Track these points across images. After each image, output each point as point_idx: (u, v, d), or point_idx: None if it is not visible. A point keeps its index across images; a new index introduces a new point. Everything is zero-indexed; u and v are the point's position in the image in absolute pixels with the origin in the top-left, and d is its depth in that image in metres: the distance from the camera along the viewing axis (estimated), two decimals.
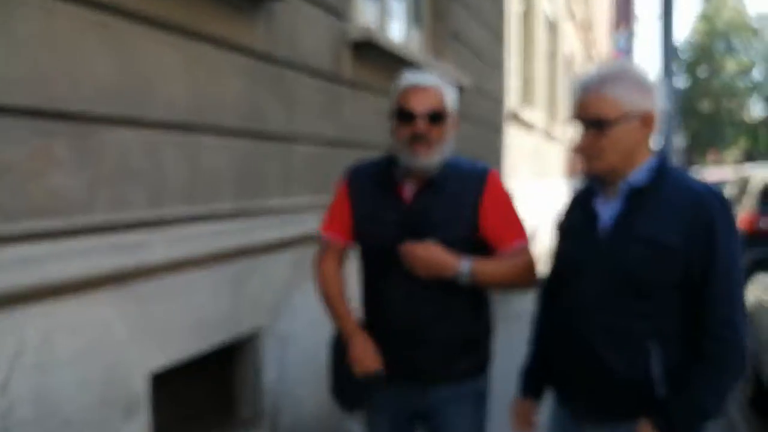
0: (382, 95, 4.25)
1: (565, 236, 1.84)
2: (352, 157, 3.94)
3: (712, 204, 1.59)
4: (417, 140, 1.81)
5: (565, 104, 13.67)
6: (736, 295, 1.58)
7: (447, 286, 1.83)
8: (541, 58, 10.59)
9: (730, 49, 38.66)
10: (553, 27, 12.18)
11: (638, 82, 1.65)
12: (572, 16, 14.44)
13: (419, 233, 1.83)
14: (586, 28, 17.23)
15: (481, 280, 1.83)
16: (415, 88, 1.85)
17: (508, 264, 1.87)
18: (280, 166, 3.04)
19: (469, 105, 5.81)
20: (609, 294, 1.64)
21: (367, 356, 1.87)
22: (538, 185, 9.76)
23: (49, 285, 1.80)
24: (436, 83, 1.87)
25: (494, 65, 7.13)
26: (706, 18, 38.40)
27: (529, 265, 1.90)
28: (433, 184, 1.88)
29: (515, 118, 8.18)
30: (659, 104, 1.69)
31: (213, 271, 2.49)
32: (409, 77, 1.89)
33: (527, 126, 9.09)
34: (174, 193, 2.33)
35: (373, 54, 3.85)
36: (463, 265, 1.79)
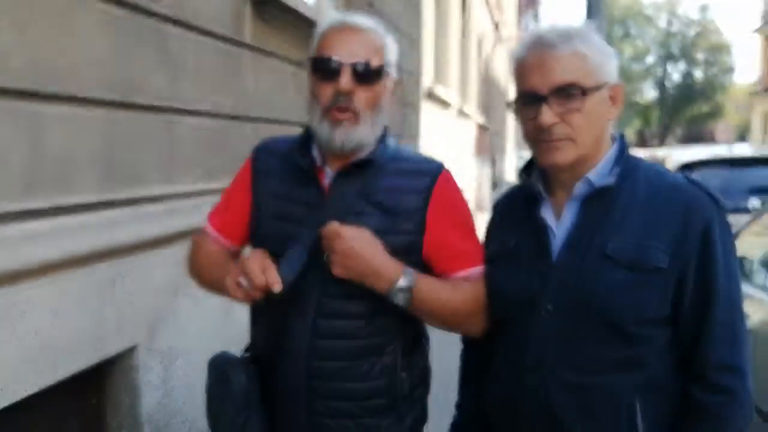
0: (291, 63, 3.77)
1: (499, 262, 1.34)
2: (255, 135, 3.49)
3: (706, 206, 1.20)
4: (338, 104, 1.29)
5: (475, 83, 13.57)
6: (740, 330, 1.19)
7: (374, 313, 1.32)
8: (453, 36, 10.31)
9: (626, 35, 40.50)
10: (465, 4, 11.93)
11: (604, 44, 1.25)
12: None
13: None
14: (496, 8, 17.19)
15: (423, 303, 1.29)
16: (342, 30, 1.32)
17: (457, 288, 1.34)
18: (161, 145, 2.49)
19: None
20: (573, 338, 1.21)
21: (265, 267, 1.22)
22: (453, 164, 9.53)
23: None
24: (374, 26, 1.36)
25: (411, 40, 6.73)
26: (605, 4, 39.85)
27: (480, 297, 1.36)
28: (363, 172, 1.35)
29: (430, 95, 7.85)
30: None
31: (65, 279, 1.93)
32: (335, 15, 1.36)
33: (442, 104, 8.81)
34: (6, 183, 1.75)
35: (280, 13, 3.34)
36: (406, 275, 1.26)
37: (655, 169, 1.28)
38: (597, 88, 1.20)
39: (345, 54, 1.28)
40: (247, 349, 1.48)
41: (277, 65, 3.50)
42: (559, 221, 1.26)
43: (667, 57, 39.61)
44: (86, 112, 2.05)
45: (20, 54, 1.77)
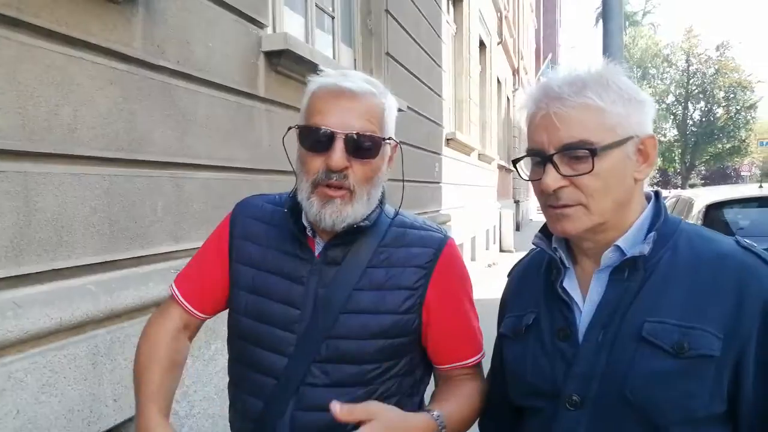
0: None
1: (516, 340, 1.15)
2: (271, 188, 3.39)
3: (765, 278, 0.99)
4: (329, 181, 1.12)
5: (496, 126, 13.52)
6: None
7: (364, 399, 1.13)
8: (473, 81, 10.29)
9: (644, 76, 40.47)
10: (483, 49, 11.96)
11: (630, 90, 1.05)
12: (501, 41, 14.34)
13: (330, 325, 1.15)
14: (515, 54, 17.27)
15: None
16: (336, 94, 1.13)
17: (470, 399, 1.22)
18: (167, 201, 2.38)
19: (407, 129, 5.32)
20: None
21: None
22: (475, 207, 9.40)
23: None
24: (372, 88, 1.17)
25: (432, 87, 6.68)
26: (624, 48, 40.04)
27: (484, 390, 1.26)
28: (358, 242, 1.19)
29: (451, 141, 7.76)
30: (652, 127, 1.08)
31: (56, 350, 1.80)
32: (329, 73, 1.17)
33: (463, 149, 8.71)
34: None
35: (295, 65, 3.27)
36: (440, 426, 1.09)
37: (699, 233, 1.08)
38: (616, 144, 1.01)
39: (338, 124, 1.11)
40: None
41: (294, 116, 3.42)
42: (585, 295, 1.08)
43: (687, 96, 39.42)
44: (84, 170, 1.95)
45: (8, 111, 1.69)
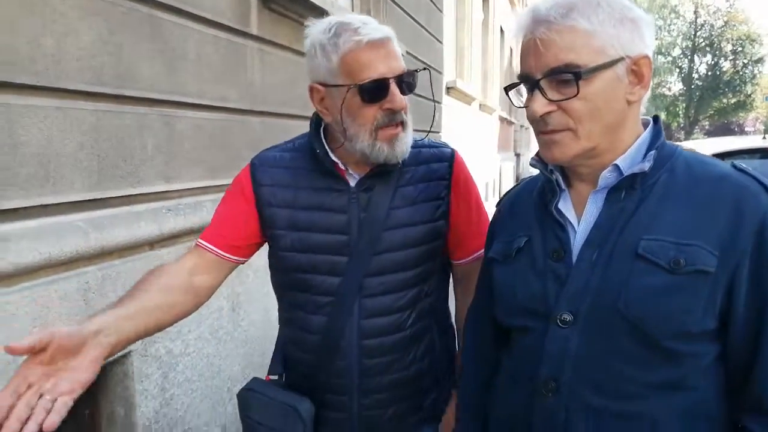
0: (302, 56, 3.61)
1: (506, 262, 1.16)
2: (264, 129, 3.36)
3: (761, 199, 0.98)
4: (393, 121, 1.26)
5: (497, 76, 13.33)
6: None
7: (414, 302, 1.34)
8: (475, 29, 10.08)
9: None
10: None
11: (624, 9, 1.01)
12: None
13: (376, 242, 1.30)
14: (519, 2, 16.87)
15: None
16: (374, 44, 1.23)
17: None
18: (158, 140, 2.34)
19: None
20: (597, 355, 1.01)
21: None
22: (475, 159, 9.34)
23: None
24: (392, 35, 1.29)
25: (431, 34, 6.53)
26: None
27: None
28: (387, 169, 1.33)
29: (452, 90, 7.65)
30: (652, 46, 1.05)
31: (45, 285, 1.79)
32: (357, 27, 1.23)
33: (464, 98, 8.60)
34: None
35: (289, 3, 3.18)
36: None
37: (696, 157, 1.07)
38: (604, 66, 0.98)
39: (388, 70, 1.24)
40: (270, 371, 1.46)
41: (287, 58, 3.35)
42: (580, 216, 1.08)
43: (694, 49, 38.72)
44: (69, 104, 1.91)
45: None
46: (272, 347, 3.21)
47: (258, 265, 2.99)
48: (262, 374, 3.12)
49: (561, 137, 1.02)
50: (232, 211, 1.38)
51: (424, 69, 1.36)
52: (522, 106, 1.08)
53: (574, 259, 1.05)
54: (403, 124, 1.28)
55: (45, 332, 0.92)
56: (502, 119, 14.09)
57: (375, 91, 1.23)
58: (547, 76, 1.00)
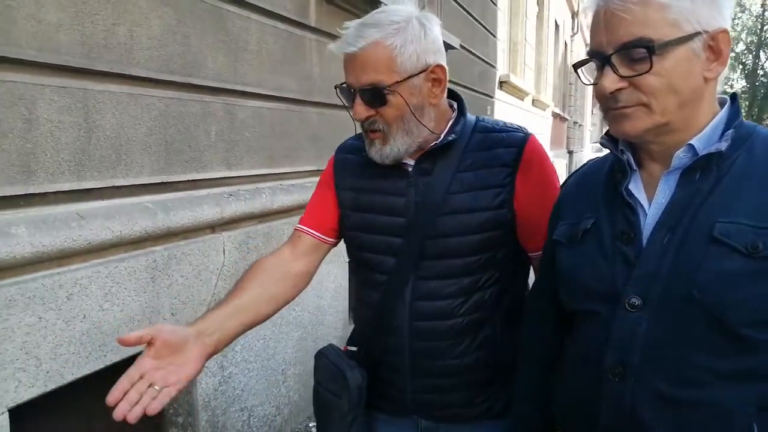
0: None
1: (572, 245, 1.13)
2: (321, 120, 3.42)
3: None
4: (365, 128, 1.30)
5: (551, 72, 13.11)
6: None
7: (469, 290, 1.31)
8: (529, 24, 9.95)
9: None
10: None
11: None
12: None
13: (430, 226, 1.29)
14: None
15: None
16: (346, 56, 1.24)
17: None
18: (221, 128, 2.43)
19: (459, 68, 5.22)
20: (667, 341, 0.98)
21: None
22: None
23: None
24: (375, 36, 1.21)
25: (486, 26, 6.50)
26: None
27: None
28: (446, 153, 1.32)
29: (504, 84, 7.59)
30: (730, 20, 1.00)
31: (117, 262, 1.89)
32: (343, 32, 1.25)
33: (517, 93, 8.51)
34: (51, 163, 1.72)
35: None
36: None
37: None
38: (680, 41, 0.95)
39: (353, 80, 1.24)
40: (349, 342, 1.47)
41: None
42: (651, 198, 1.05)
43: (760, 44, 37.11)
44: (140, 91, 2.00)
45: (68, 28, 1.73)
46: (324, 332, 3.28)
47: None
48: (311, 359, 3.19)
49: (632, 111, 0.99)
50: (322, 196, 1.45)
51: (403, 81, 1.23)
52: (592, 83, 1.06)
53: (644, 241, 1.02)
54: (381, 131, 1.26)
55: (151, 329, 1.06)
56: (555, 115, 13.86)
57: (345, 97, 1.28)
58: (619, 51, 0.97)
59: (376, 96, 1.22)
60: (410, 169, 1.34)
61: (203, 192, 2.34)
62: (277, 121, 2.83)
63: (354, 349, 1.42)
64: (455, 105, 1.40)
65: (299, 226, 1.45)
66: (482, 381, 1.34)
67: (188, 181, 2.27)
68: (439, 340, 1.31)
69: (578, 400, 1.10)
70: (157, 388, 1.03)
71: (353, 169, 1.41)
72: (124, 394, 1.02)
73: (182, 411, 2.31)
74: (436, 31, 1.28)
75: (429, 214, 1.29)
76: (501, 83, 7.45)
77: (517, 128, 1.39)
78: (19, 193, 1.63)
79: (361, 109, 1.25)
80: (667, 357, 0.98)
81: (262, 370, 2.66)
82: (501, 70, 7.52)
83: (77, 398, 1.94)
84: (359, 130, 1.37)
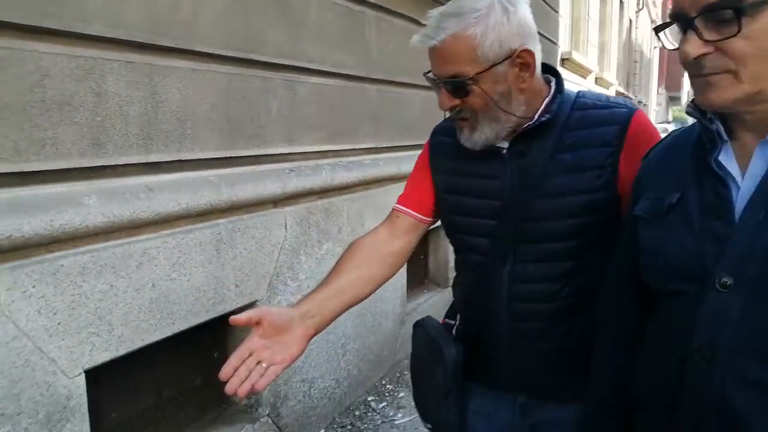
0: (420, 25, 3.62)
1: (654, 222, 1.07)
2: (380, 97, 3.42)
3: None
4: (457, 116, 1.26)
5: (615, 50, 12.66)
6: None
7: (570, 275, 1.26)
8: (592, 1, 9.62)
9: None
10: None
11: None
12: None
13: (526, 210, 1.25)
14: None
15: None
16: (427, 48, 1.22)
17: None
18: (281, 104, 2.45)
19: None
20: (761, 322, 0.91)
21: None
22: None
23: None
24: (454, 28, 1.18)
25: (547, 1, 6.31)
26: None
27: None
28: (541, 134, 1.26)
29: (567, 62, 7.38)
30: None
31: (184, 233, 1.94)
32: (424, 24, 1.23)
33: (580, 70, 8.27)
34: (119, 136, 1.78)
35: None
36: None
37: None
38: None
39: (436, 71, 1.23)
40: (447, 315, 1.47)
41: (403, 26, 3.37)
42: (744, 170, 0.96)
43: None
44: (204, 67, 2.04)
45: (134, 4, 1.77)
46: (383, 309, 3.30)
47: (371, 228, 3.07)
48: (372, 335, 3.21)
49: (718, 79, 0.90)
50: (419, 177, 1.45)
51: (493, 66, 1.19)
52: (674, 48, 0.99)
53: (737, 217, 0.94)
54: (467, 119, 1.24)
55: (258, 310, 1.12)
56: (619, 94, 13.41)
57: (433, 86, 1.28)
58: (703, 13, 0.88)
59: (458, 87, 1.20)
60: (504, 151, 1.29)
61: (265, 167, 2.37)
62: (336, 98, 2.83)
63: (452, 322, 1.41)
64: (553, 81, 1.32)
65: (398, 205, 1.44)
66: (580, 364, 1.27)
67: (251, 156, 2.30)
68: (537, 322, 1.28)
69: (660, 385, 1.04)
70: (264, 365, 1.09)
71: (448, 152, 1.38)
72: (235, 371, 1.08)
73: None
74: (522, 12, 1.22)
75: (525, 198, 1.25)
76: (563, 60, 7.24)
77: (621, 103, 1.29)
78: (91, 165, 1.69)
79: (446, 100, 1.23)
80: (762, 341, 0.91)
81: (323, 343, 2.70)
82: (563, 47, 7.31)
83: (147, 364, 2.02)
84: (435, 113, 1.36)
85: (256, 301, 2.29)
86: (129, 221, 1.73)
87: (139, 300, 1.79)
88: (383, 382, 3.38)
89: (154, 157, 1.88)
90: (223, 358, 2.35)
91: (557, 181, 1.23)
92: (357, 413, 3.02)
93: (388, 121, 3.30)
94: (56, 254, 1.57)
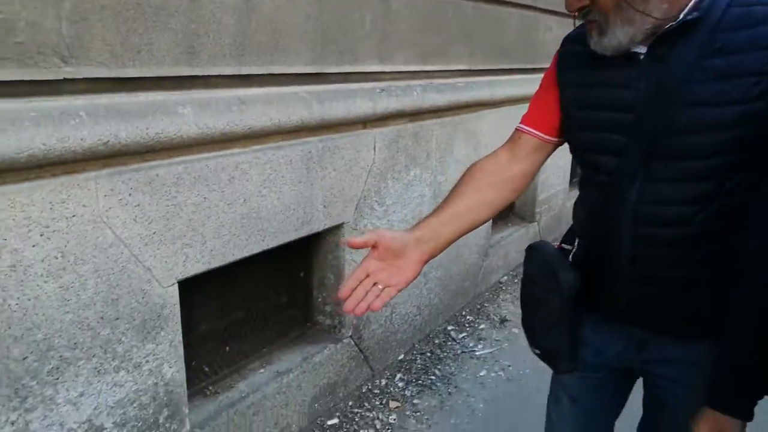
0: None
1: None
2: (476, 15, 3.21)
3: None
4: (585, 18, 1.14)
5: None
6: None
7: (706, 198, 1.12)
8: None
9: None
10: None
11: None
12: None
13: (662, 122, 1.11)
14: None
15: None
16: None
17: None
18: (374, 19, 2.32)
19: None
20: None
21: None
22: None
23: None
24: None
25: None
26: None
27: None
28: (687, 36, 1.10)
29: None
30: None
31: (275, 149, 1.90)
32: None
33: None
34: (213, 45, 1.71)
35: None
36: None
37: None
38: None
39: None
40: (564, 240, 1.39)
41: None
42: None
43: None
44: None
45: None
46: (467, 241, 3.22)
47: (459, 155, 2.95)
48: (455, 266, 3.14)
49: None
50: (545, 94, 1.33)
51: None
52: None
53: None
54: (596, 22, 1.12)
55: (374, 233, 1.11)
56: None
57: None
58: None
59: None
60: (642, 56, 1.15)
61: (355, 86, 2.28)
62: (430, 13, 2.67)
63: (568, 247, 1.33)
64: None
65: (520, 125, 1.34)
66: (705, 297, 1.18)
67: (341, 73, 2.21)
68: (663, 248, 1.17)
69: None
70: (380, 287, 1.10)
71: (578, 62, 1.25)
72: (352, 291, 1.10)
73: (331, 301, 2.37)
74: None
75: (662, 108, 1.11)
76: None
77: None
78: (185, 74, 1.65)
79: (573, 0, 1.10)
80: None
81: None
82: None
83: (236, 279, 2.04)
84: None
85: (342, 223, 2.25)
86: (222, 134, 1.69)
87: (231, 214, 1.77)
88: (463, 312, 3.33)
89: (246, 70, 1.82)
90: (309, 279, 2.37)
91: (702, 90, 1.07)
92: (437, 341, 3.01)
93: (482, 42, 3.11)
94: (151, 163, 1.55)
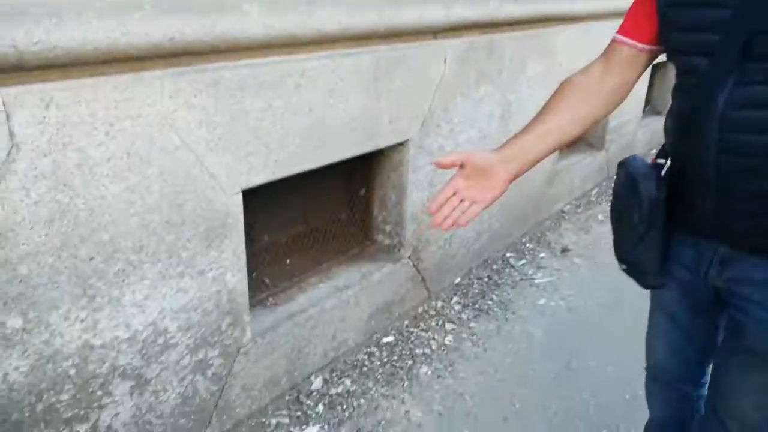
0: None
1: None
2: None
3: None
4: None
5: None
6: None
7: None
8: None
9: None
10: None
11: None
12: None
13: (761, 17, 1.01)
14: None
15: None
16: None
17: None
18: None
19: None
20: None
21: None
22: None
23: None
24: None
25: None
26: None
27: None
28: None
29: None
30: None
31: (342, 57, 1.79)
32: None
33: None
34: None
35: None
36: None
37: None
38: None
39: None
40: (658, 155, 1.31)
41: None
42: None
43: None
44: None
45: None
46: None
47: (532, 73, 2.77)
48: (517, 191, 3.03)
49: None
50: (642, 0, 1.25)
51: None
52: None
53: None
54: None
55: (461, 153, 1.15)
56: None
57: None
58: None
59: None
60: None
61: None
62: None
63: (662, 161, 1.26)
64: None
65: (616, 35, 1.27)
66: None
67: None
68: (755, 157, 1.08)
69: None
70: (466, 204, 1.14)
71: None
72: (440, 207, 1.14)
73: (391, 220, 2.32)
74: None
75: (761, 2, 1.02)
76: None
77: None
78: None
79: None
80: None
81: None
82: None
83: (298, 192, 1.99)
84: None
85: (407, 140, 2.16)
86: (288, 36, 1.59)
87: (296, 124, 1.70)
88: (523, 240, 3.24)
89: None
90: (370, 197, 2.31)
91: None
92: (494, 267, 2.94)
93: None
94: (216, 65, 1.48)
